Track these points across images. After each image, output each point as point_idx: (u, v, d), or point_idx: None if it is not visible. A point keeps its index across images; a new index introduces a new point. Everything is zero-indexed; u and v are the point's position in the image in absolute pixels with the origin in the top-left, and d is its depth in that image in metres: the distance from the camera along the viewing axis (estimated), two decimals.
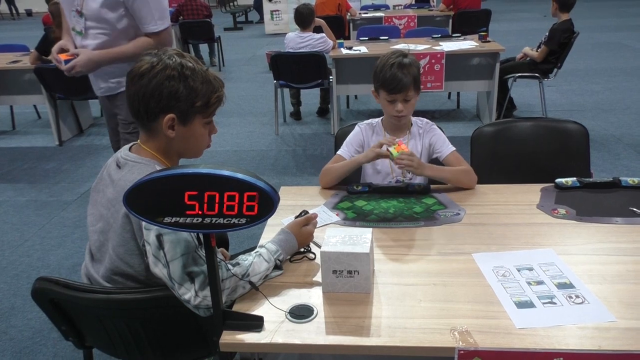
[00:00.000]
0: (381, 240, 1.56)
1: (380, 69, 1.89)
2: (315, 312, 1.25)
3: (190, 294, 1.24)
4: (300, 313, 1.25)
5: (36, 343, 2.35)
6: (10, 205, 3.76)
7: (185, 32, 7.56)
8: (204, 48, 8.29)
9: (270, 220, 1.68)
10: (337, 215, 1.72)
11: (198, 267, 1.25)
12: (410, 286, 1.33)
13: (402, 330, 1.17)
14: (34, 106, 5.73)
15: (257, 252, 1.37)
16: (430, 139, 1.97)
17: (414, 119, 2.02)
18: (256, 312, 1.25)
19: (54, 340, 2.34)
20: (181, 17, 7.47)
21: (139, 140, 1.42)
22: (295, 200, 1.85)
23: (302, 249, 1.50)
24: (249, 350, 1.19)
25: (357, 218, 1.69)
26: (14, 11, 17.63)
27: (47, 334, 2.38)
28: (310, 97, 5.64)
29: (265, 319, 1.21)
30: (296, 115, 5.43)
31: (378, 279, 1.37)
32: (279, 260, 1.38)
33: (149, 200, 1.07)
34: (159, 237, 1.25)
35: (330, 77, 4.69)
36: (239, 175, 1.05)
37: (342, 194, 1.87)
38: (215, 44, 7.88)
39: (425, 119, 2.02)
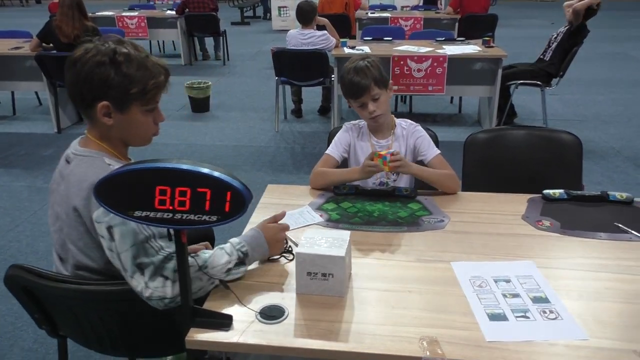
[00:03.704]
0: (362, 243, 1.55)
1: (341, 79, 1.92)
2: (286, 314, 1.23)
3: (142, 286, 1.23)
4: (271, 314, 1.23)
5: (17, 328, 2.35)
6: (5, 189, 3.76)
7: (191, 25, 7.55)
8: (209, 42, 8.27)
9: (253, 219, 1.70)
10: (320, 216, 1.70)
11: (148, 258, 1.24)
12: (385, 292, 1.32)
13: (371, 337, 1.16)
14: (36, 92, 5.73)
15: (220, 246, 1.36)
16: (415, 141, 1.95)
17: (397, 120, 2.01)
18: (227, 310, 1.24)
19: (35, 326, 2.33)
20: (187, 10, 7.45)
21: (86, 131, 1.41)
22: (280, 199, 1.84)
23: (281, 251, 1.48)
24: (215, 349, 1.18)
25: (341, 220, 1.68)
26: None
27: (28, 320, 2.34)
28: (313, 95, 5.62)
29: (235, 318, 1.21)
30: (297, 112, 5.41)
31: (354, 282, 1.36)
32: (241, 252, 1.34)
33: (120, 193, 1.06)
34: (109, 229, 1.24)
35: (332, 75, 4.67)
36: (210, 172, 1.04)
37: (329, 194, 1.86)
38: (221, 37, 7.86)
39: (409, 121, 2.01)
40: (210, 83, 5.61)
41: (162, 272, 1.24)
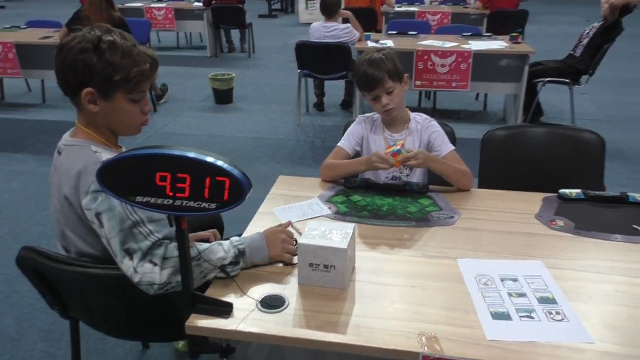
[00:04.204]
0: (368, 237, 1.53)
1: (356, 71, 1.90)
2: (286, 303, 1.23)
3: (131, 271, 1.24)
4: (272, 303, 1.24)
5: (37, 309, 2.41)
6: (32, 175, 3.86)
7: (217, 17, 7.59)
8: (235, 34, 8.31)
9: (261, 209, 1.71)
10: (329, 208, 1.70)
11: (136, 244, 1.25)
12: (387, 286, 1.30)
13: (369, 330, 1.15)
14: None
15: (218, 242, 1.35)
16: (430, 136, 1.92)
17: (412, 114, 1.98)
18: (228, 298, 1.24)
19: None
20: (213, 2, 7.50)
21: (76, 121, 1.42)
22: (290, 190, 1.84)
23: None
24: (214, 336, 1.19)
25: (349, 213, 1.67)
26: None
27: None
28: (336, 89, 5.60)
29: (235, 307, 1.21)
30: (319, 106, 5.40)
31: (357, 275, 1.35)
32: (238, 249, 1.33)
33: (122, 178, 1.07)
34: (97, 215, 1.26)
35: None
36: (210, 160, 1.04)
37: (339, 187, 1.85)
38: (247, 30, 7.89)
39: (424, 115, 1.98)
40: (233, 75, 5.64)
41: (150, 258, 1.25)
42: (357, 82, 1.91)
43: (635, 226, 1.57)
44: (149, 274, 1.23)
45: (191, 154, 1.04)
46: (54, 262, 1.35)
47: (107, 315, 1.45)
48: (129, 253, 1.25)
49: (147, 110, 1.42)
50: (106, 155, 1.31)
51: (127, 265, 1.24)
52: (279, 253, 1.39)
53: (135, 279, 1.24)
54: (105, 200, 1.25)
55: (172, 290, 1.26)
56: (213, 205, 1.06)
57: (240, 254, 1.33)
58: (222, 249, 1.32)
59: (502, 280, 1.32)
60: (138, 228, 1.26)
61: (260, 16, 12.24)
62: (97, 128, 1.38)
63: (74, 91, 1.33)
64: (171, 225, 1.20)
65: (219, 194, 1.05)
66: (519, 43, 4.63)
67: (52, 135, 1.47)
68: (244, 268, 1.34)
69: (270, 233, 1.41)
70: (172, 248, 1.28)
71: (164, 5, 7.82)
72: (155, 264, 1.24)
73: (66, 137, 1.41)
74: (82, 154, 1.32)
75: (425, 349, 1.08)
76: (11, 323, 2.33)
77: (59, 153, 1.40)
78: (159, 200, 1.06)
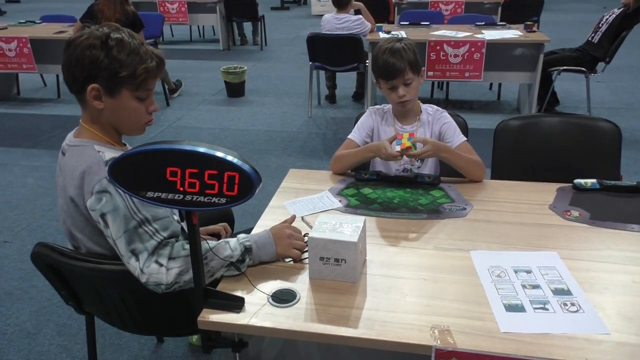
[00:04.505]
0: (379, 230, 1.53)
1: (375, 59, 1.87)
2: (297, 297, 1.23)
3: (137, 271, 1.25)
4: (284, 297, 1.24)
5: (54, 304, 2.45)
6: (47, 170, 3.91)
7: (230, 9, 7.60)
8: (247, 27, 8.31)
9: (272, 202, 1.71)
10: (340, 201, 1.69)
11: (142, 244, 1.25)
12: (398, 279, 1.30)
13: (381, 324, 1.14)
14: None
15: (225, 239, 1.34)
16: (441, 128, 1.91)
17: (423, 106, 1.96)
18: (239, 293, 1.24)
19: None
20: None
21: (80, 120, 1.42)
22: (301, 183, 1.83)
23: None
24: (226, 330, 1.20)
25: (360, 206, 1.66)
26: None
27: None
28: (347, 81, 5.57)
29: (247, 301, 1.21)
30: (331, 98, 5.38)
31: (368, 269, 1.34)
32: (244, 246, 1.32)
33: (133, 173, 1.07)
34: (102, 216, 1.26)
35: (367, 61, 4.61)
36: (220, 155, 1.03)
37: (350, 180, 1.84)
38: (259, 22, 7.88)
39: (435, 106, 1.96)
40: (245, 68, 5.64)
41: (156, 259, 1.25)
42: (376, 70, 1.88)
43: None
44: (156, 274, 1.24)
45: (201, 149, 1.04)
46: (67, 259, 1.36)
47: (121, 310, 1.47)
48: (135, 254, 1.25)
49: (152, 110, 1.41)
50: (110, 154, 1.31)
51: (133, 266, 1.25)
52: (286, 249, 1.37)
53: (143, 279, 1.24)
54: (109, 201, 1.25)
55: (180, 289, 1.26)
56: (223, 200, 1.06)
57: (247, 250, 1.33)
58: (228, 247, 1.31)
59: (515, 272, 1.31)
60: (143, 227, 1.26)
61: (273, 8, 12.22)
62: (102, 126, 1.38)
63: (79, 87, 1.32)
64: (182, 220, 1.21)
65: (229, 189, 1.05)
66: (534, 32, 4.56)
67: (67, 130, 1.48)
68: (250, 265, 1.34)
69: (277, 230, 1.40)
70: (179, 247, 1.28)
71: None
72: (161, 265, 1.24)
73: (70, 137, 1.41)
74: (85, 154, 1.32)
75: (438, 342, 1.08)
76: (28, 318, 2.36)
77: (63, 154, 1.40)
78: (170, 196, 1.06)
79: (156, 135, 4.43)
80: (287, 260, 1.38)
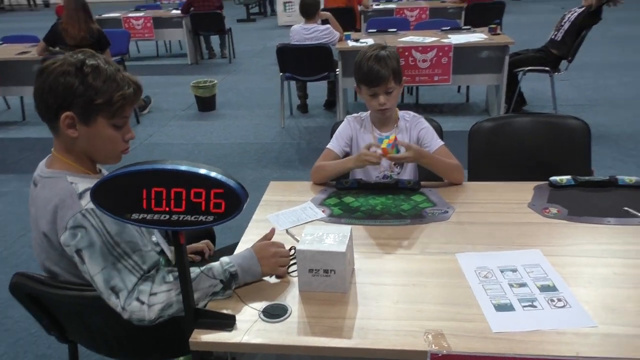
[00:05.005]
0: (365, 238, 1.53)
1: (358, 64, 1.87)
2: (289, 312, 1.23)
3: (119, 309, 1.21)
4: (275, 312, 1.23)
5: (32, 335, 2.37)
6: (16, 195, 3.80)
7: (196, 23, 7.55)
8: (215, 40, 8.28)
9: (256, 216, 1.69)
10: (323, 211, 1.69)
11: (122, 282, 1.21)
12: (388, 286, 1.30)
13: (375, 332, 1.14)
14: None
15: (208, 266, 1.29)
16: (419, 133, 1.93)
17: (400, 112, 1.98)
18: (230, 310, 1.23)
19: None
20: (192, 9, 7.45)
21: (52, 149, 1.36)
22: (283, 195, 1.83)
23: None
24: (219, 350, 1.18)
25: (343, 215, 1.67)
26: (31, 2, 17.83)
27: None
28: (318, 90, 5.60)
29: (238, 318, 1.20)
30: (303, 108, 5.39)
31: (357, 278, 1.34)
32: (229, 272, 1.28)
33: (116, 196, 1.05)
34: (78, 252, 1.22)
35: (337, 69, 4.64)
36: (205, 172, 1.03)
37: (331, 189, 1.84)
38: (226, 35, 7.86)
39: (412, 113, 1.99)
40: (216, 82, 5.61)
41: (137, 296, 1.21)
42: (360, 76, 1.87)
43: (627, 208, 1.59)
44: (137, 312, 1.20)
45: (183, 167, 1.03)
46: (48, 287, 1.32)
47: (108, 336, 1.43)
48: (115, 292, 1.21)
49: (129, 138, 1.37)
50: (83, 185, 1.26)
51: (114, 303, 1.21)
52: (271, 268, 1.34)
53: (125, 316, 1.21)
54: (85, 237, 1.21)
55: (166, 320, 1.24)
56: (211, 218, 1.05)
57: (233, 277, 1.29)
58: (212, 275, 1.27)
59: (501, 271, 1.33)
60: (122, 262, 1.22)
61: (239, 21, 12.22)
62: (75, 155, 1.33)
63: (52, 115, 1.27)
64: (169, 242, 1.19)
65: (216, 206, 1.04)
66: (498, 34, 4.67)
67: (35, 153, 1.43)
68: (236, 287, 1.31)
69: (260, 248, 1.36)
70: (159, 281, 1.24)
71: (142, 14, 7.77)
72: (142, 302, 1.21)
73: (42, 167, 1.36)
74: (57, 186, 1.27)
75: (433, 346, 1.08)
76: (5, 351, 2.28)
77: (35, 185, 1.34)
78: (156, 216, 1.05)
79: (128, 154, 4.34)
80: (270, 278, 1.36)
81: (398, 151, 1.73)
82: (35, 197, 1.33)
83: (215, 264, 1.30)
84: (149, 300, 1.21)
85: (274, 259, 1.35)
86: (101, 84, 1.25)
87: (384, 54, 1.83)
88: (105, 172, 1.39)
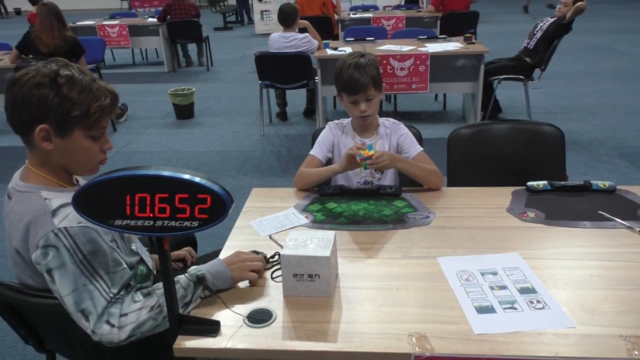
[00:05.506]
0: (348, 243, 1.55)
1: (338, 72, 1.90)
2: (274, 317, 1.23)
3: (89, 331, 1.20)
4: (259, 317, 1.23)
5: (6, 345, 2.31)
6: None
7: (173, 31, 7.51)
8: (192, 48, 8.24)
9: (238, 223, 1.69)
10: (306, 217, 1.70)
11: (92, 305, 1.19)
12: (372, 290, 1.31)
13: (360, 336, 1.15)
14: None
15: (176, 278, 1.26)
16: (398, 139, 1.96)
17: (381, 119, 2.01)
18: (215, 316, 1.23)
19: (24, 342, 2.31)
20: (168, 17, 7.41)
21: (26, 161, 1.33)
22: (265, 202, 1.83)
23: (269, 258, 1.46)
24: (202, 356, 1.17)
25: (326, 220, 1.68)
26: (2, 10, 17.48)
27: (17, 336, 2.34)
28: (297, 98, 5.62)
29: (223, 324, 1.20)
30: (282, 115, 5.40)
31: (341, 282, 1.35)
32: (197, 276, 1.28)
33: (99, 203, 1.04)
34: (48, 272, 1.20)
35: (316, 77, 4.67)
36: (189, 177, 1.02)
37: (314, 196, 1.85)
38: (204, 43, 7.84)
39: (392, 119, 2.02)
40: (194, 89, 5.59)
41: (107, 319, 1.20)
42: (340, 84, 1.89)
43: (601, 212, 1.63)
44: (107, 335, 1.18)
45: (167, 173, 1.03)
46: (27, 297, 1.30)
47: (87, 345, 1.40)
48: (85, 314, 1.19)
49: (107, 148, 1.33)
50: (58, 201, 1.23)
51: (84, 326, 1.19)
52: (242, 273, 1.34)
53: (95, 338, 1.19)
54: (56, 257, 1.18)
55: (139, 339, 1.22)
56: (196, 223, 1.05)
57: (199, 280, 1.28)
58: (180, 287, 1.25)
59: (482, 274, 1.35)
60: (94, 284, 1.20)
61: (216, 29, 12.19)
62: (51, 168, 1.29)
63: (26, 129, 1.23)
64: (152, 249, 1.18)
65: (201, 212, 1.04)
66: (473, 43, 4.77)
67: (8, 162, 1.39)
68: (210, 291, 1.29)
69: (228, 257, 1.37)
70: (129, 301, 1.23)
71: (117, 22, 7.70)
72: (112, 325, 1.19)
73: (16, 179, 1.32)
74: (31, 202, 1.24)
75: (417, 349, 1.10)
76: None
77: (9, 197, 1.31)
78: (139, 222, 1.04)
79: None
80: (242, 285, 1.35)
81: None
82: (9, 211, 1.29)
83: (181, 276, 1.28)
84: (119, 322, 1.20)
85: (243, 264, 1.35)
86: (77, 95, 1.21)
87: (363, 62, 1.86)
88: (83, 182, 1.36)
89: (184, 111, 5.51)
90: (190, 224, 1.05)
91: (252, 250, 1.46)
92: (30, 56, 4.66)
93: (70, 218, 1.20)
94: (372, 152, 1.71)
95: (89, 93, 1.23)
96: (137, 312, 1.21)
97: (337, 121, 2.03)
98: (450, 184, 2.14)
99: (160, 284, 1.24)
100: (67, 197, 1.21)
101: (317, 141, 2.00)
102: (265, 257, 1.44)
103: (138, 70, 8.23)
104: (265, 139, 4.85)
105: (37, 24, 4.52)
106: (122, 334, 1.20)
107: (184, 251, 1.79)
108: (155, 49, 8.59)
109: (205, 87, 6.86)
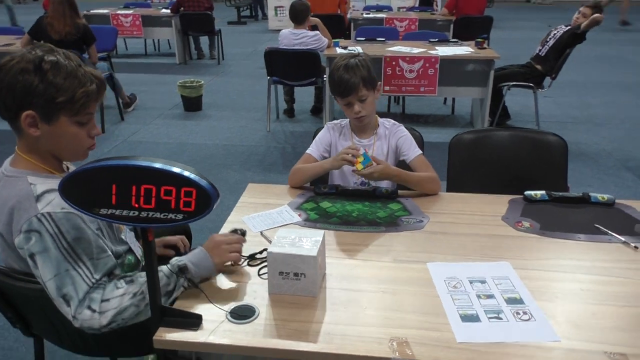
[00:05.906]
0: (338, 243, 1.54)
1: (330, 75, 1.90)
2: (257, 313, 1.22)
3: (70, 316, 1.19)
4: (242, 313, 1.22)
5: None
6: None
7: (185, 24, 7.53)
8: (204, 41, 8.26)
9: (231, 217, 1.69)
10: (299, 215, 1.69)
11: (74, 290, 1.19)
12: (358, 292, 1.30)
13: (341, 337, 1.14)
14: None
15: (159, 267, 1.25)
16: (397, 141, 1.94)
17: (381, 120, 2.00)
18: (197, 310, 1.22)
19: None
20: (182, 9, 7.43)
21: (16, 147, 1.32)
22: (260, 198, 1.83)
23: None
24: (182, 348, 1.17)
25: (319, 220, 1.67)
26: None
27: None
28: (306, 95, 5.61)
29: (205, 318, 1.19)
30: (289, 112, 5.39)
31: (327, 282, 1.34)
32: (178, 266, 1.28)
33: (85, 190, 1.04)
34: (31, 256, 1.20)
35: (324, 75, 4.65)
36: (177, 170, 1.02)
37: (309, 194, 1.84)
38: (216, 37, 7.85)
39: (392, 121, 2.01)
40: (202, 82, 5.59)
41: (88, 304, 1.19)
42: (331, 86, 1.90)
43: (598, 225, 1.61)
44: (88, 320, 1.18)
45: (157, 165, 1.02)
46: (14, 280, 1.30)
47: (71, 331, 1.41)
48: (66, 300, 1.19)
49: (95, 134, 1.33)
50: (43, 187, 1.23)
51: (65, 311, 1.20)
52: (223, 256, 1.35)
53: (76, 324, 1.19)
54: (39, 241, 1.18)
55: (120, 327, 1.22)
56: (180, 216, 1.04)
57: (181, 270, 1.28)
58: (163, 276, 1.25)
59: (470, 282, 1.34)
60: (76, 269, 1.20)
61: (230, 23, 12.20)
62: (39, 154, 1.30)
63: (12, 115, 1.23)
64: (138, 238, 1.18)
65: (186, 205, 1.03)
66: (485, 49, 4.73)
67: (7, 144, 1.39)
68: (194, 284, 1.29)
69: (207, 243, 1.37)
70: (111, 287, 1.23)
71: (131, 12, 7.72)
72: (94, 310, 1.19)
73: (6, 165, 1.32)
74: (17, 187, 1.24)
75: (397, 354, 1.09)
76: None
77: None
78: (124, 212, 1.04)
79: (110, 151, 4.32)
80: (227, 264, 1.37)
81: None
82: None
83: (163, 266, 1.28)
84: (100, 307, 1.20)
85: (223, 246, 1.36)
86: (62, 81, 1.21)
87: (353, 63, 1.85)
88: (73, 169, 1.37)
89: (192, 103, 5.52)
90: (175, 216, 1.04)
91: (232, 230, 1.47)
92: (42, 42, 4.68)
93: (53, 204, 1.20)
94: (363, 167, 1.69)
95: (74, 79, 1.23)
96: (119, 298, 1.21)
97: (336, 121, 2.03)
98: (449, 189, 2.12)
99: (143, 273, 1.24)
100: (53, 183, 1.21)
101: (314, 140, 2.00)
102: (244, 233, 1.46)
103: (149, 61, 8.26)
104: (270, 135, 4.85)
105: (50, 10, 4.55)
106: (104, 319, 1.19)
107: (177, 238, 1.78)
108: (168, 40, 8.62)
109: (215, 81, 6.87)
